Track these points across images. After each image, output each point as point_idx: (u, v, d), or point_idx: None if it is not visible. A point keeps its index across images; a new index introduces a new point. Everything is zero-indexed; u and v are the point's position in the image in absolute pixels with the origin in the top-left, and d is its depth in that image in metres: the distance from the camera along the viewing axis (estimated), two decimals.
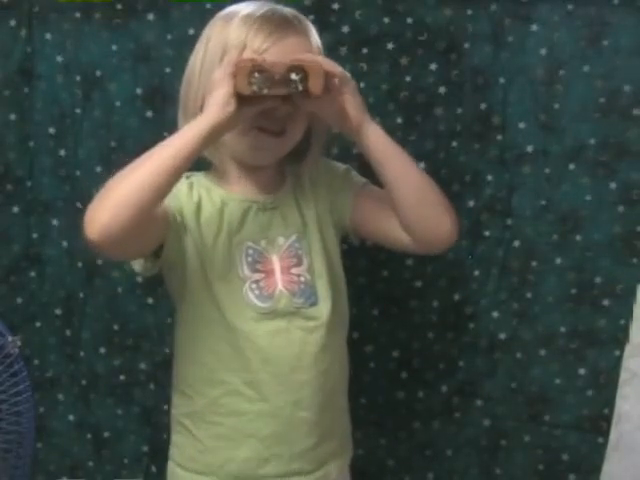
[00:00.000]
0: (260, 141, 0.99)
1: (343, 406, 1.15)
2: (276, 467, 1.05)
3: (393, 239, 1.05)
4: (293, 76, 0.88)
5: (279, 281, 1.02)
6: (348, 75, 0.96)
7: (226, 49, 0.96)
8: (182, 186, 1.03)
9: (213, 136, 0.91)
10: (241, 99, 0.89)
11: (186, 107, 1.02)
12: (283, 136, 1.00)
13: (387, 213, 1.03)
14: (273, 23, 0.96)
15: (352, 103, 0.94)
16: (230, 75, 0.88)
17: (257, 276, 1.02)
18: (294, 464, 1.06)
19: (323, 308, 1.04)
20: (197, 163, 1.03)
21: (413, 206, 0.98)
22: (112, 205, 0.86)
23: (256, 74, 0.87)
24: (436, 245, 1.03)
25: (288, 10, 1.00)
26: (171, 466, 1.12)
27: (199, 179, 1.06)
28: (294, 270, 1.03)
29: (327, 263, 1.06)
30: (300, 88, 0.89)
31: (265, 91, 0.87)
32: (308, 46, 0.99)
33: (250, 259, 1.02)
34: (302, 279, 1.04)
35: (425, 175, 1.00)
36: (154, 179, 0.87)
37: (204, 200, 1.03)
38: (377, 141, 0.96)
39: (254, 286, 1.01)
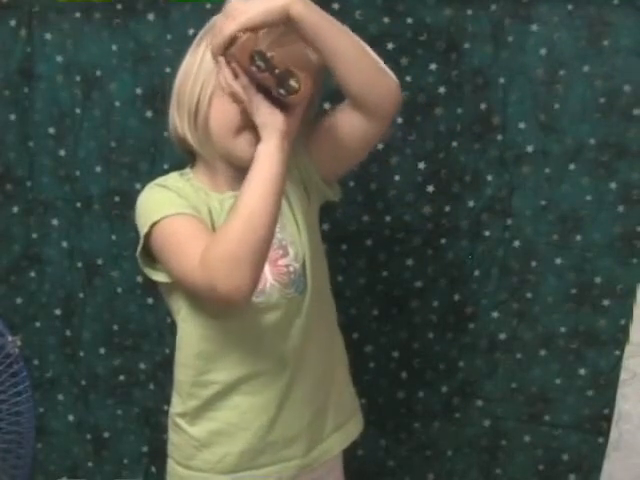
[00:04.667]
0: (251, 141, 0.98)
1: (340, 379, 1.15)
2: (272, 455, 1.07)
3: (352, 128, 1.02)
4: (293, 82, 0.90)
5: (269, 274, 1.02)
6: None
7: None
8: (187, 188, 1.03)
9: (288, 147, 0.93)
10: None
11: (181, 101, 1.01)
12: None
13: (331, 121, 1.03)
14: (278, 30, 0.96)
15: (268, 16, 0.91)
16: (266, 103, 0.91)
17: None
18: (290, 449, 1.08)
19: (311, 292, 1.05)
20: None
21: (354, 69, 0.96)
22: (251, 266, 0.89)
23: (256, 57, 0.89)
24: (387, 104, 1.00)
25: None
26: (170, 464, 1.13)
27: (192, 180, 1.06)
28: (281, 261, 1.03)
29: (310, 247, 1.06)
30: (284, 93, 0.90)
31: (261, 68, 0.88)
32: (306, 55, 1.00)
33: None
34: (291, 269, 1.04)
35: (360, 40, 0.99)
36: (271, 217, 0.91)
37: (208, 204, 1.03)
38: (301, 19, 0.93)
39: None
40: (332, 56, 0.95)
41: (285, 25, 0.94)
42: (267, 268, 1.02)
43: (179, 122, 1.01)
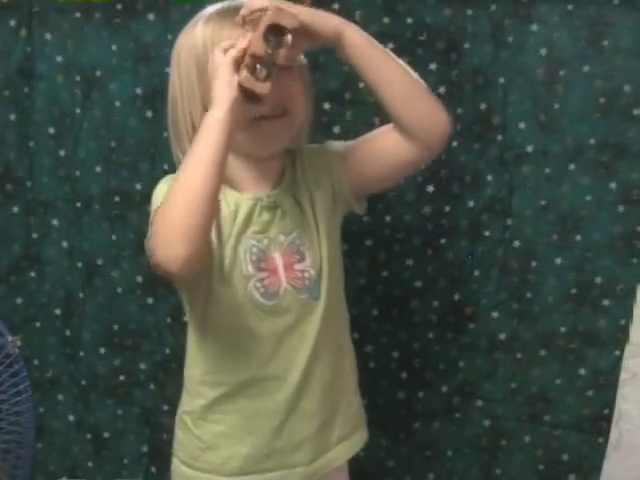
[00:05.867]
0: (267, 128, 0.98)
1: (349, 390, 1.15)
2: (278, 460, 1.06)
3: (395, 155, 1.02)
4: (265, 71, 0.88)
5: (283, 278, 1.02)
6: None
7: (197, 53, 0.97)
8: None
9: (233, 118, 0.89)
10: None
11: (178, 133, 1.01)
12: (287, 115, 0.99)
13: (374, 142, 1.03)
14: (232, 14, 0.95)
15: (318, 23, 0.92)
16: (228, 64, 0.88)
17: (261, 274, 1.01)
18: (296, 455, 1.07)
19: (325, 300, 1.04)
20: None
21: (404, 102, 0.96)
22: (183, 234, 0.85)
23: (270, 37, 0.87)
24: (435, 137, 0.99)
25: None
26: (175, 462, 1.12)
27: None
28: (297, 266, 1.03)
29: (329, 255, 1.05)
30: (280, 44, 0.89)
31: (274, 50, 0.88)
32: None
33: (254, 257, 1.02)
34: (307, 275, 1.03)
35: (409, 70, 0.99)
36: (207, 187, 0.86)
37: (221, 202, 1.02)
38: (355, 46, 0.94)
39: (259, 284, 1.01)
40: (378, 88, 0.96)
41: (328, 45, 0.94)
42: (282, 272, 1.02)
43: (182, 155, 1.00)
